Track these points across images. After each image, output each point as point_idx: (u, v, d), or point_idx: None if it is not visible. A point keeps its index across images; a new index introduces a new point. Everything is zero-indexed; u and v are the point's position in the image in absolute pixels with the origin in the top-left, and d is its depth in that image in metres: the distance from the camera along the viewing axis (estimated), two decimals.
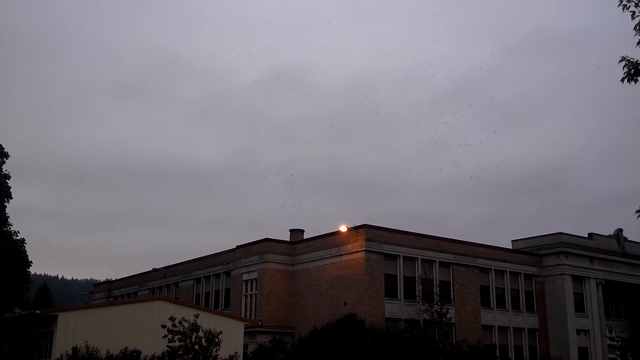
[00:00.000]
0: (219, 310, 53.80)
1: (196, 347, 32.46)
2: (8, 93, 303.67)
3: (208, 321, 35.10)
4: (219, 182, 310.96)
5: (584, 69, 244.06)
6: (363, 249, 47.88)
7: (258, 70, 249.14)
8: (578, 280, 59.12)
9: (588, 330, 58.57)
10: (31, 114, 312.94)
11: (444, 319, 47.28)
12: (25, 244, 48.22)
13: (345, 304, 47.65)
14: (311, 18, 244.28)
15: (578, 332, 57.50)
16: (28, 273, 49.01)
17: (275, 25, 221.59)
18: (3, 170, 47.16)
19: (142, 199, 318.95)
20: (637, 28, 14.14)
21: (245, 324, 43.42)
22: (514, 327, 55.59)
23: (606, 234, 63.30)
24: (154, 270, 68.73)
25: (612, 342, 57.19)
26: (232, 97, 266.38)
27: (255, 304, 53.00)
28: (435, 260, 51.20)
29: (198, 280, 62.02)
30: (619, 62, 14.51)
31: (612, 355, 58.14)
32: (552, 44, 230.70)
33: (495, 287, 55.41)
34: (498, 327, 54.36)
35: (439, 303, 47.81)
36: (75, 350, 33.73)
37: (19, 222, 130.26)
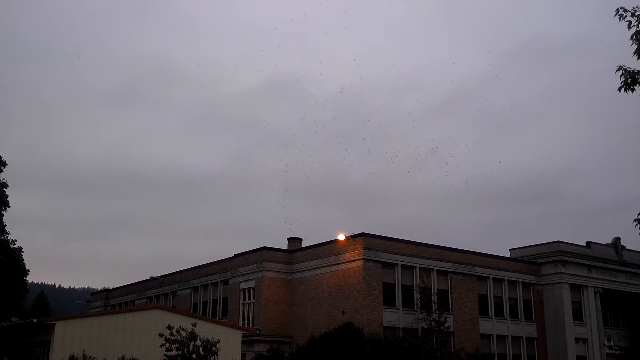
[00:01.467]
0: (217, 319, 53.67)
1: (194, 356, 32.35)
2: (4, 100, 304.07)
3: (206, 330, 35.01)
4: (216, 190, 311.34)
5: (582, 76, 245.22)
6: (361, 257, 47.83)
7: (254, 77, 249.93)
8: (576, 288, 59.12)
9: (586, 339, 58.52)
10: (27, 121, 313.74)
11: (442, 327, 47.23)
12: (23, 252, 48.12)
13: (343, 312, 47.58)
14: (307, 25, 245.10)
15: (576, 340, 57.44)
16: (25, 282, 48.87)
17: (271, 33, 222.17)
18: (0, 178, 47.12)
19: (138, 207, 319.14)
20: (634, 38, 14.22)
21: (243, 333, 43.28)
22: (512, 336, 55.51)
23: (604, 243, 63.37)
24: (152, 278, 68.58)
25: (610, 351, 57.12)
26: (228, 104, 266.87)
27: (253, 313, 52.89)
28: (433, 269, 51.16)
29: (195, 288, 61.89)
30: (616, 71, 14.58)
31: None
32: (550, 51, 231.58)
33: (494, 296, 55.38)
34: (496, 335, 54.29)
35: (437, 312, 47.76)
36: (72, 359, 33.62)
37: (16, 230, 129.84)
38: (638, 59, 14.10)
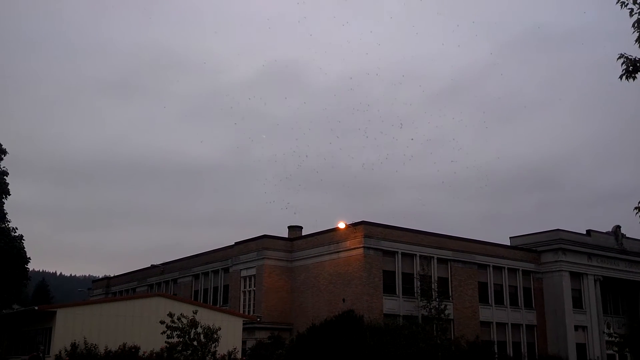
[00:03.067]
0: (218, 306, 53.86)
1: (195, 343, 32.55)
2: (4, 90, 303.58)
3: (207, 317, 35.19)
4: (216, 179, 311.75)
5: (581, 65, 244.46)
6: (361, 245, 47.92)
7: (253, 66, 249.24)
8: (576, 276, 59.24)
9: (586, 327, 58.70)
10: (27, 111, 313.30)
11: (442, 315, 47.36)
12: (24, 240, 48.19)
13: (343, 300, 47.71)
14: (307, 15, 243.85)
15: (576, 328, 57.63)
16: (26, 269, 48.96)
17: (271, 22, 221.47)
18: (1, 166, 47.13)
19: (138, 196, 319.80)
20: (636, 25, 14.14)
21: (243, 320, 43.46)
22: (512, 324, 55.70)
23: (604, 231, 63.44)
24: (153, 266, 68.74)
25: (610, 338, 57.34)
26: (228, 94, 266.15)
27: (254, 300, 53.05)
28: (433, 257, 51.26)
29: (196, 276, 62.05)
30: (617, 59, 14.52)
31: (610, 352, 58.31)
32: (549, 40, 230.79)
33: (494, 284, 55.51)
34: (496, 323, 54.47)
35: (437, 299, 47.88)
36: (73, 346, 33.72)
37: (17, 218, 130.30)
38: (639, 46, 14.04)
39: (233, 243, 57.12)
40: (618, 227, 63.82)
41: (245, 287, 54.57)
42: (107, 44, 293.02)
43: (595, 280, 60.23)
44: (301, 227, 58.04)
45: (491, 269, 55.44)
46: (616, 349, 54.36)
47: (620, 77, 14.50)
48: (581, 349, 57.61)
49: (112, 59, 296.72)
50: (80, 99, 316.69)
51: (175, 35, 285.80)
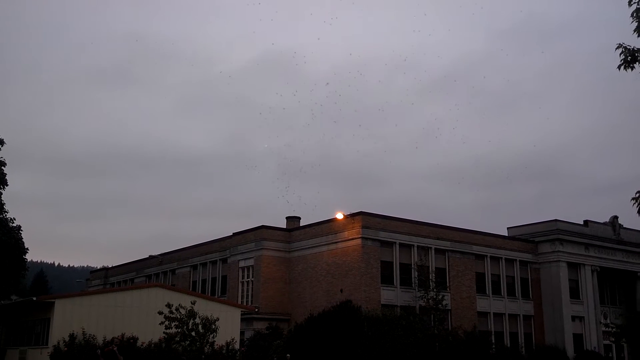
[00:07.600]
0: (216, 297, 53.93)
1: (193, 333, 32.63)
2: (0, 79, 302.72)
3: (205, 308, 35.26)
4: (212, 169, 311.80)
5: (579, 56, 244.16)
6: (359, 236, 47.97)
7: (248, 56, 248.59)
8: (573, 267, 59.39)
9: (583, 317, 58.89)
10: (23, 100, 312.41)
11: (440, 305, 47.50)
12: (22, 231, 48.14)
13: (341, 290, 47.80)
14: (302, 3, 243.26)
15: (573, 318, 57.81)
16: (24, 260, 48.93)
17: (266, 11, 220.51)
18: None
19: (136, 186, 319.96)
20: (635, 15, 14.10)
21: (242, 311, 43.55)
22: (509, 314, 55.87)
23: (602, 221, 63.54)
24: (150, 257, 68.79)
25: (606, 329, 57.54)
26: (223, 83, 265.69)
27: (252, 291, 53.13)
28: (431, 248, 51.34)
29: (194, 267, 62.12)
30: (616, 49, 14.50)
31: (607, 342, 58.53)
32: (547, 30, 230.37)
33: (491, 274, 55.63)
34: (493, 313, 54.64)
35: (434, 290, 48.00)
36: (72, 337, 33.76)
37: (15, 209, 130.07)
38: (638, 36, 14.01)
39: (231, 234, 57.18)
40: (615, 218, 63.94)
41: (243, 278, 54.64)
42: (102, 32, 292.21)
43: (592, 271, 60.39)
44: (299, 218, 58.13)
45: (489, 259, 55.55)
46: (613, 339, 54.56)
47: (619, 67, 14.48)
48: (578, 339, 57.81)
49: (107, 48, 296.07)
50: (77, 89, 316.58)
51: (171, 25, 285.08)
